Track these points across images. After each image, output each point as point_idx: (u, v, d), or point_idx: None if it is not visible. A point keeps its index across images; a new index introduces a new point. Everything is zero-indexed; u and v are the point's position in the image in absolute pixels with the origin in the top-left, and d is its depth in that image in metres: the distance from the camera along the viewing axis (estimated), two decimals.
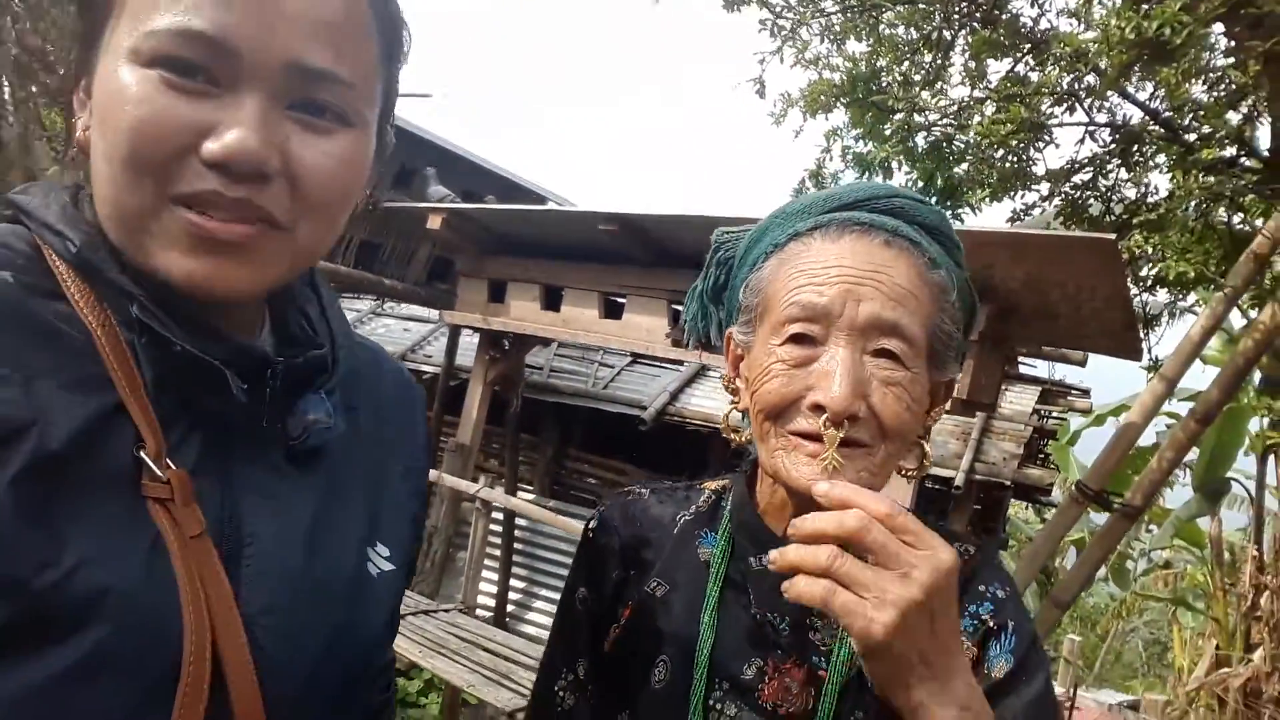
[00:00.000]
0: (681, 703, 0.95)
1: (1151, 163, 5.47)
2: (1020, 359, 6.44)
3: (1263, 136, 5.10)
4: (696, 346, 1.16)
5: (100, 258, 0.71)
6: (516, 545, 8.46)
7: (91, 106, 0.72)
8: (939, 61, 5.84)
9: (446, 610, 5.96)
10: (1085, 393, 7.04)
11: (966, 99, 5.74)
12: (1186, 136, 5.13)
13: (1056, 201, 5.68)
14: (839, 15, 6.05)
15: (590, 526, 1.13)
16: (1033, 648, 0.92)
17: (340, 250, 6.34)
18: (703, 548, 1.05)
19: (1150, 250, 5.13)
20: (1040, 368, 7.15)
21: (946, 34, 5.70)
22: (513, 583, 8.42)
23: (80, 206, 0.75)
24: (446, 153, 10.57)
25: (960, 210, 5.95)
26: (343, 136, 0.74)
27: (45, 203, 0.74)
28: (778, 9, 6.07)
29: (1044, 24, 5.51)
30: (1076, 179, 5.66)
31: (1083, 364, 6.16)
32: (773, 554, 0.78)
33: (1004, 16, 5.38)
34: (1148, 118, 5.42)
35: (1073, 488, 3.37)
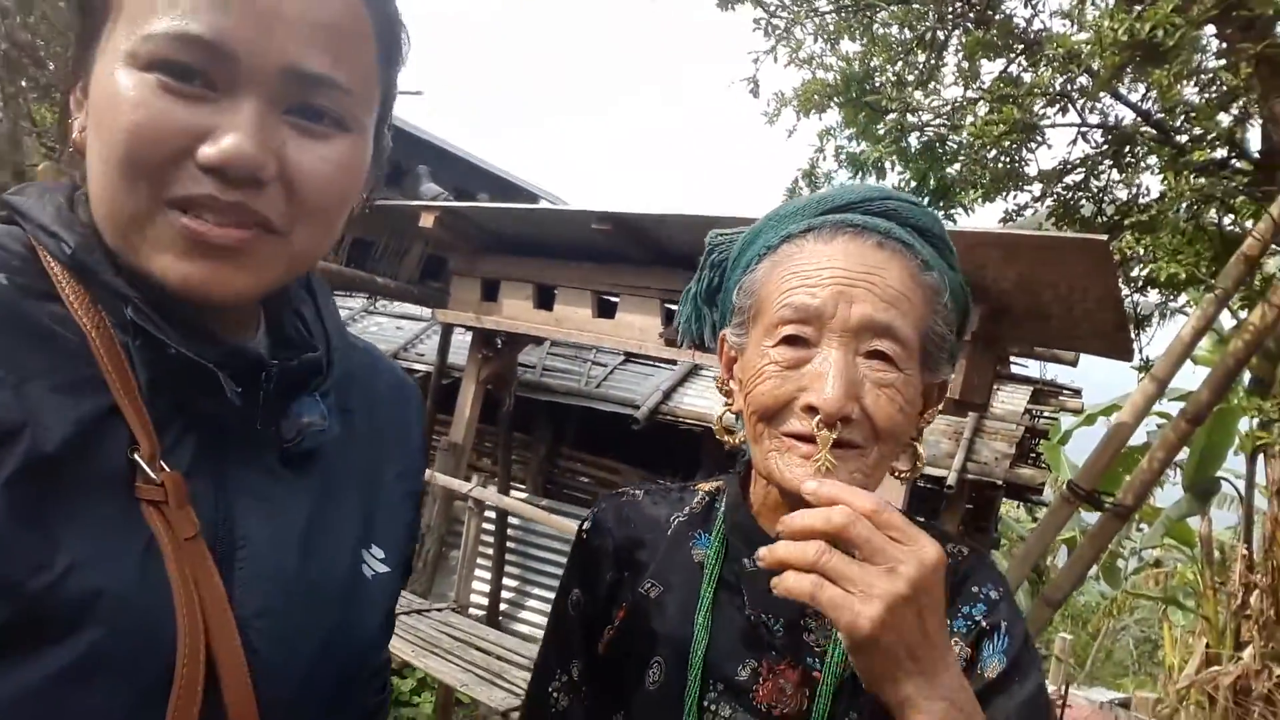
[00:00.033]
0: (676, 704, 0.95)
1: (1143, 164, 5.49)
2: (1012, 359, 6.47)
3: (1253, 139, 5.13)
4: (690, 347, 1.16)
5: (95, 260, 0.71)
6: (509, 544, 8.46)
7: (88, 107, 0.72)
8: (932, 62, 5.85)
9: (439, 609, 5.96)
10: (1077, 392, 7.07)
11: (960, 99, 5.75)
12: (1178, 138, 5.15)
13: (1048, 202, 5.69)
14: (833, 15, 6.06)
15: (584, 528, 1.13)
16: (1025, 648, 0.92)
17: (332, 248, 6.32)
18: (697, 549, 1.05)
19: (1142, 251, 5.15)
20: (1032, 367, 7.18)
21: (940, 34, 5.71)
22: (505, 582, 8.42)
23: (76, 208, 0.75)
24: (439, 150, 10.55)
25: (953, 211, 5.95)
26: (340, 141, 0.74)
27: (41, 204, 0.74)
28: (771, 8, 6.07)
29: (1037, 25, 5.53)
30: (1068, 180, 5.68)
31: (1074, 364, 6.19)
32: (762, 551, 0.79)
33: (997, 17, 5.39)
34: (1139, 119, 5.44)
35: (1064, 487, 3.38)
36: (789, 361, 0.89)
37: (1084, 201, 5.64)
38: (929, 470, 5.73)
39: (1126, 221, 5.12)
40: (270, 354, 0.81)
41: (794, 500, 0.85)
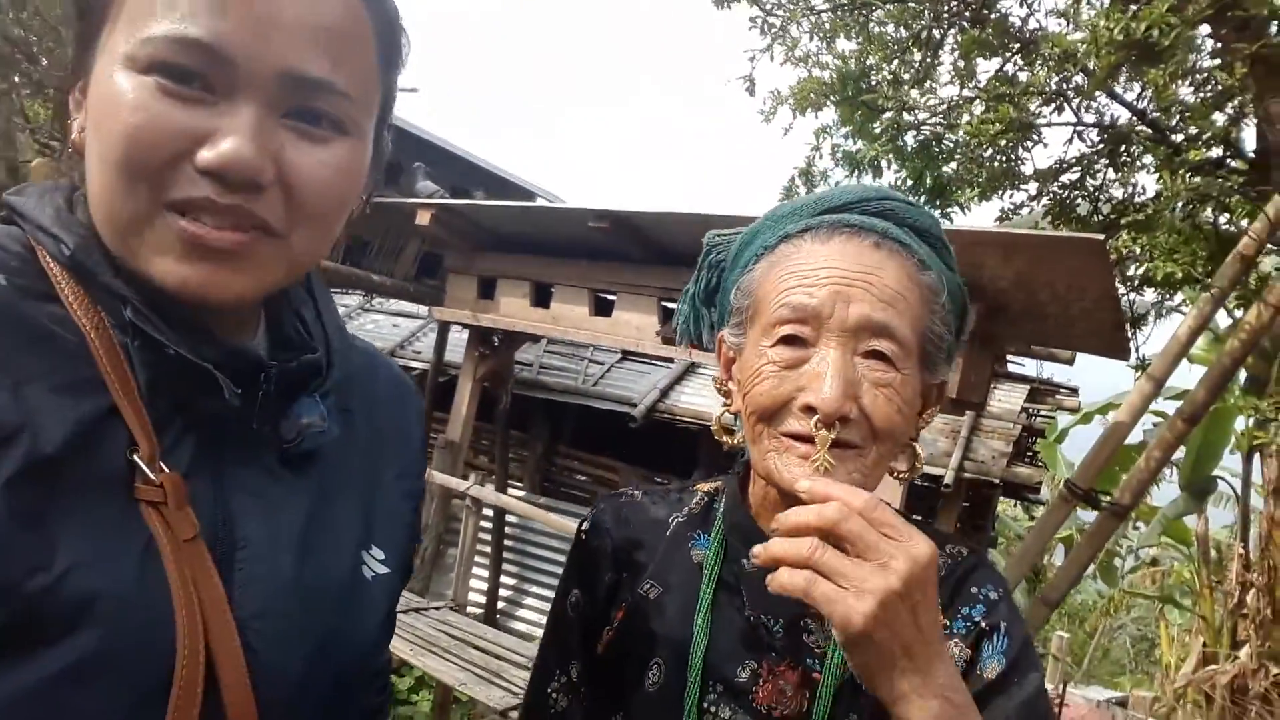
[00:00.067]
0: (675, 705, 0.95)
1: (1139, 163, 5.49)
2: (1009, 357, 6.48)
3: (1248, 138, 5.14)
4: (689, 347, 1.16)
5: (94, 260, 0.70)
6: (507, 542, 8.46)
7: (87, 108, 0.72)
8: (928, 60, 5.85)
9: (437, 608, 5.96)
10: (1074, 391, 7.08)
11: (955, 98, 5.75)
12: (1174, 137, 5.16)
13: (1044, 201, 5.70)
14: (828, 13, 6.06)
15: (583, 529, 1.13)
16: (1025, 649, 0.92)
17: None
18: (696, 549, 1.05)
19: (1138, 250, 5.16)
20: (1029, 366, 7.19)
21: (936, 33, 5.72)
22: (503, 580, 8.42)
23: (75, 209, 0.74)
24: (435, 148, 10.54)
25: (949, 209, 5.96)
26: (339, 145, 0.73)
27: (40, 205, 0.74)
28: (768, 6, 6.07)
29: (1033, 24, 5.53)
30: (1064, 179, 5.69)
31: (1071, 363, 6.20)
32: (756, 548, 0.79)
33: (993, 16, 5.40)
34: (1135, 118, 5.45)
35: (1062, 486, 3.39)
36: (787, 361, 0.89)
37: (1080, 200, 5.65)
38: (926, 469, 5.74)
39: (1123, 220, 5.12)
40: (270, 355, 0.81)
41: (792, 500, 0.86)
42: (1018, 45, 5.42)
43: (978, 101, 5.57)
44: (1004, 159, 5.54)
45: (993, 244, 3.41)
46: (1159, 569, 14.01)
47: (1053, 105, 5.41)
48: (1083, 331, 4.01)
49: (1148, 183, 5.77)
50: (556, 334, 5.89)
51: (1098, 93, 5.11)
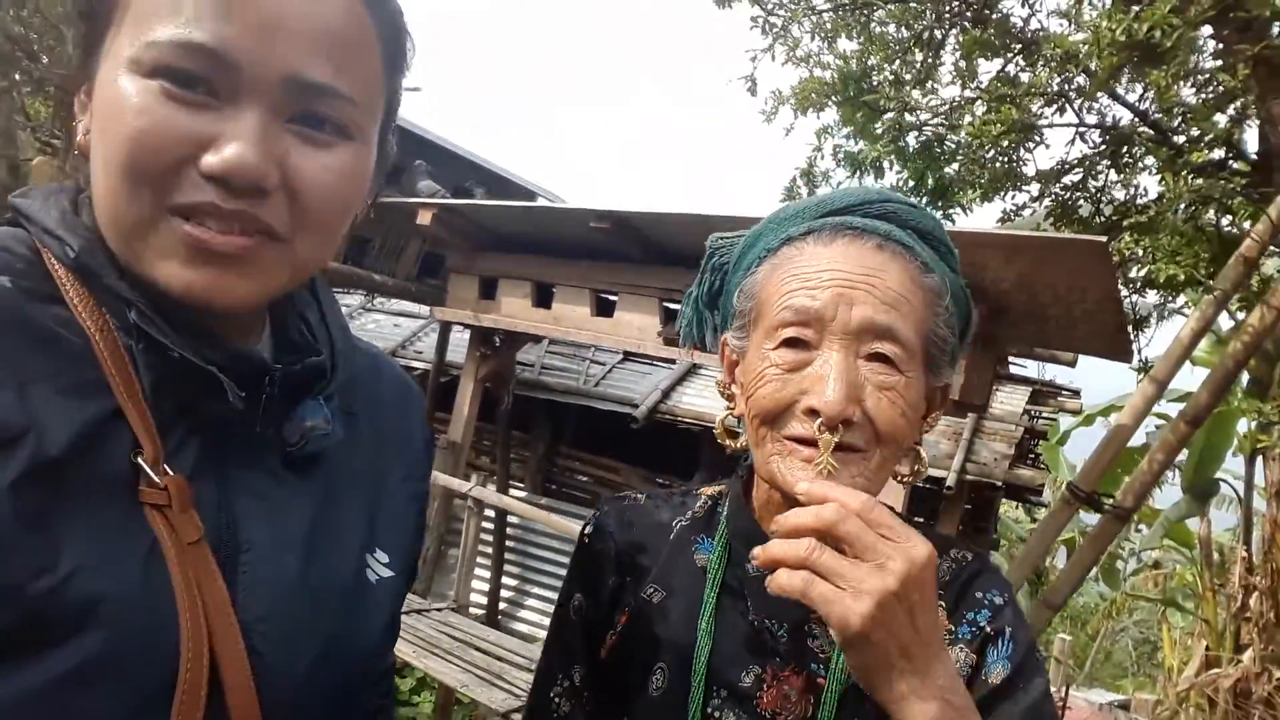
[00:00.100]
0: (680, 710, 0.95)
1: (1141, 165, 5.48)
2: (1010, 359, 6.47)
3: (1251, 139, 5.13)
4: (691, 349, 1.16)
5: (98, 263, 0.71)
6: (508, 543, 8.46)
7: (92, 111, 0.72)
8: (930, 61, 5.85)
9: (439, 609, 5.96)
10: (1076, 393, 7.07)
11: (957, 99, 5.75)
12: (1176, 139, 5.15)
13: (1046, 202, 5.69)
14: (830, 13, 6.05)
15: (586, 532, 1.12)
16: (1030, 654, 0.92)
17: None
18: (699, 553, 1.05)
19: (1140, 252, 5.15)
20: (1030, 368, 7.18)
21: (937, 33, 5.71)
22: (505, 580, 8.42)
23: (80, 211, 0.75)
24: (436, 147, 10.55)
25: (951, 211, 5.95)
26: (343, 150, 0.73)
27: (45, 207, 0.74)
28: (769, 6, 6.06)
29: (1034, 25, 5.52)
30: (1066, 180, 5.68)
31: (1073, 364, 6.19)
32: (756, 550, 0.79)
33: (995, 16, 5.39)
34: (1137, 119, 5.44)
35: (1064, 489, 3.38)
36: (790, 364, 0.89)
37: (1082, 202, 5.64)
38: (928, 471, 5.73)
39: (1125, 222, 5.12)
40: (274, 358, 0.81)
41: (796, 504, 0.85)
42: (1019, 46, 5.41)
43: (979, 102, 5.56)
44: (1006, 160, 5.53)
45: (994, 245, 3.40)
46: (1161, 572, 13.99)
47: (1055, 106, 5.40)
48: (1085, 333, 3.99)
49: (1150, 184, 5.76)
50: (558, 334, 5.89)
51: (1100, 94, 5.10)
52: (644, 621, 1.02)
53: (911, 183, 5.87)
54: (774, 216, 1.00)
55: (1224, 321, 5.74)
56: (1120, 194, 5.65)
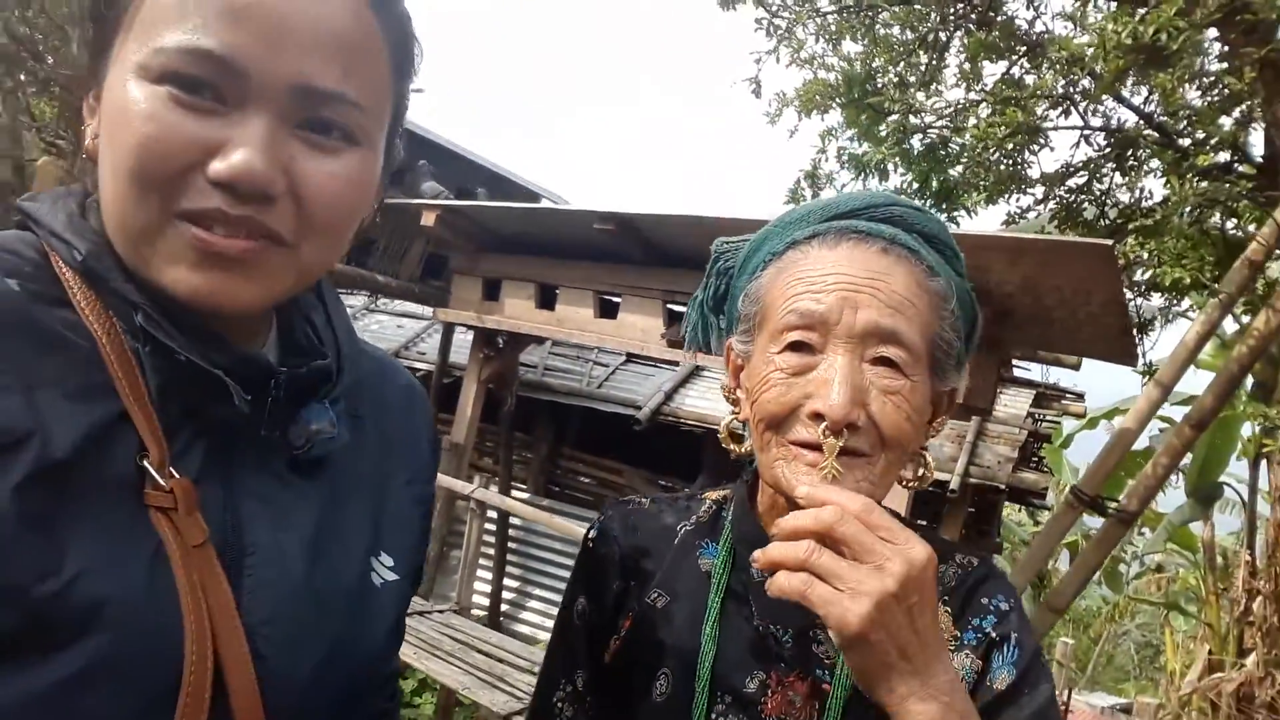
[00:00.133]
0: (684, 716, 0.95)
1: (1146, 167, 5.47)
2: (1014, 362, 6.46)
3: (1257, 142, 5.12)
4: (695, 352, 1.16)
5: (105, 266, 0.71)
6: (511, 545, 8.47)
7: (100, 115, 0.72)
8: (934, 63, 5.83)
9: (441, 611, 5.96)
10: (1080, 396, 7.06)
11: (962, 101, 5.74)
12: (1181, 142, 5.14)
13: (1051, 205, 5.67)
14: (834, 15, 6.04)
15: (589, 536, 1.12)
16: (1035, 660, 0.91)
17: None
18: (704, 558, 1.05)
19: (1145, 255, 5.14)
20: (1034, 371, 7.17)
21: (942, 35, 5.69)
22: (507, 582, 8.42)
23: (88, 215, 0.75)
24: (439, 148, 10.56)
25: (955, 213, 5.94)
26: (349, 156, 0.74)
27: (53, 211, 0.74)
28: (774, 8, 6.05)
29: (1040, 27, 5.51)
30: (1071, 183, 5.66)
31: (1077, 367, 6.18)
32: (756, 553, 0.79)
33: (999, 19, 5.38)
34: (1142, 122, 5.43)
35: (1068, 493, 3.37)
36: (794, 368, 0.89)
37: (1087, 205, 5.62)
38: (934, 475, 5.73)
39: (1130, 225, 5.10)
40: (280, 361, 0.81)
41: (800, 508, 0.85)
42: (1024, 48, 5.40)
43: (984, 105, 5.55)
44: (1010, 162, 5.52)
45: (999, 248, 3.40)
46: (1164, 575, 13.98)
47: (1059, 109, 5.38)
48: (1089, 337, 3.99)
49: (1155, 187, 5.75)
50: (561, 336, 5.89)
51: (1105, 97, 5.09)
52: (648, 626, 1.02)
53: (916, 185, 5.86)
54: (779, 220, 1.00)
55: (1229, 325, 5.74)
56: (1125, 197, 5.64)
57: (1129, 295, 4.74)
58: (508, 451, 8.58)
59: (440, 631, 5.47)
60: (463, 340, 7.53)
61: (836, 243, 0.92)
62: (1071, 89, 5.23)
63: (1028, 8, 5.49)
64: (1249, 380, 6.54)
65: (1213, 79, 4.79)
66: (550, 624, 1.15)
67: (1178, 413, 6.54)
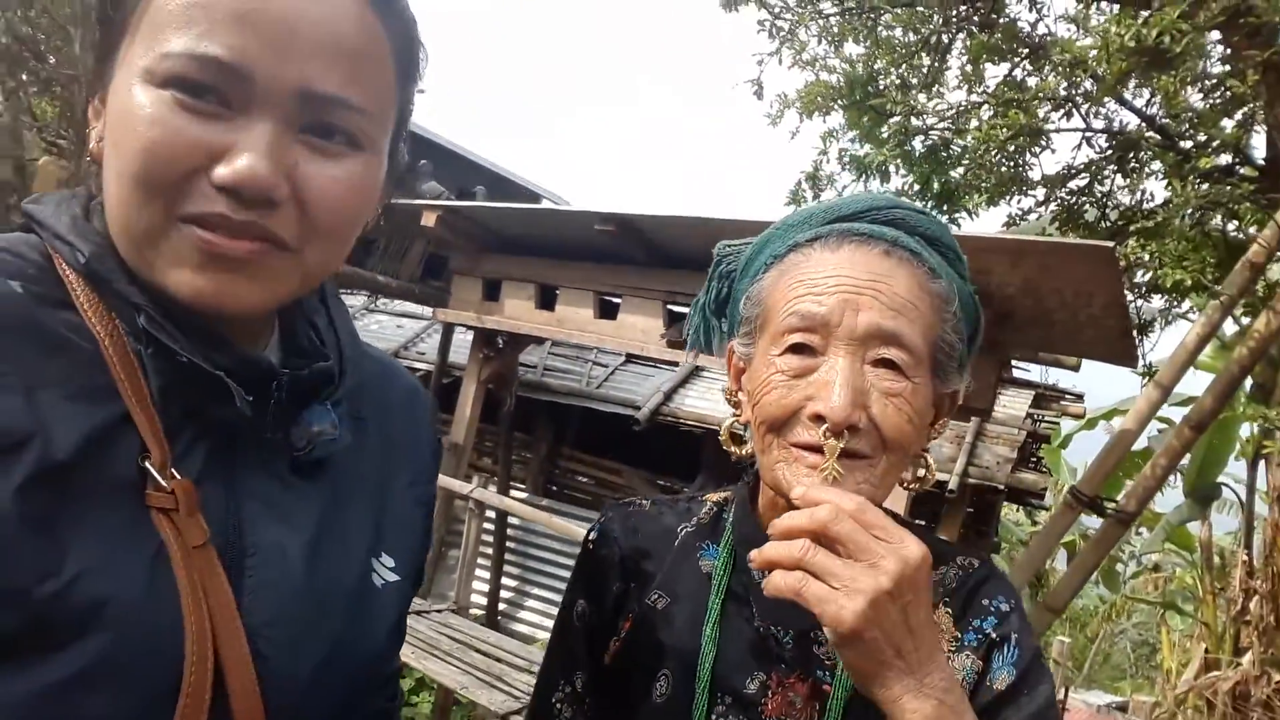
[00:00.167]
0: (684, 717, 0.95)
1: (1147, 169, 5.46)
2: (1014, 363, 6.46)
3: (1258, 145, 5.11)
4: (696, 354, 1.16)
5: (108, 268, 0.71)
6: (509, 544, 8.46)
7: (105, 119, 0.72)
8: (937, 65, 5.82)
9: (439, 610, 5.96)
10: (1079, 397, 7.06)
11: (964, 103, 5.73)
12: (1183, 144, 5.13)
13: (1052, 207, 5.67)
14: (837, 17, 6.03)
15: (590, 538, 1.12)
16: (1035, 661, 0.92)
17: None
18: (704, 560, 1.05)
19: (1146, 257, 5.13)
20: (1034, 371, 7.17)
21: (944, 37, 5.69)
22: (505, 582, 8.42)
23: (92, 217, 0.75)
24: (439, 148, 10.56)
25: (956, 215, 5.94)
26: (353, 160, 0.74)
27: (57, 213, 0.75)
28: (776, 10, 6.05)
29: (1042, 29, 5.50)
30: (1072, 185, 5.65)
31: (1076, 369, 6.18)
32: (753, 553, 0.80)
33: (1002, 21, 5.37)
34: (1144, 124, 5.42)
35: (1067, 493, 3.38)
36: (796, 370, 0.89)
37: (1088, 206, 5.62)
38: (935, 477, 5.73)
39: (1131, 227, 5.10)
40: (282, 362, 0.81)
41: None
42: (1027, 51, 5.40)
43: (986, 107, 5.54)
44: (1012, 164, 5.51)
45: (1000, 250, 3.40)
46: (1161, 574, 13.99)
47: (1062, 111, 5.38)
48: (1090, 338, 3.99)
49: (1156, 189, 5.75)
50: (561, 336, 5.89)
51: (1107, 99, 5.08)
52: (648, 628, 1.02)
53: (917, 187, 5.85)
54: (781, 223, 1.00)
55: (1229, 327, 5.74)
56: (1126, 199, 5.63)
57: (1129, 297, 4.74)
58: (507, 451, 8.58)
59: (438, 631, 5.47)
60: (462, 340, 7.53)
61: (838, 245, 0.92)
62: (1073, 91, 5.23)
63: (1030, 10, 5.49)
64: (1248, 381, 6.54)
65: (1215, 81, 4.79)
66: (548, 624, 1.15)
67: (1177, 414, 6.55)
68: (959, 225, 5.92)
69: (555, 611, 1.14)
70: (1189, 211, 4.56)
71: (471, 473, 7.23)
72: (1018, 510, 11.76)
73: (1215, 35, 4.24)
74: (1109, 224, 5.46)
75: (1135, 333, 4.34)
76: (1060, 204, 5.61)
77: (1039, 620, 3.55)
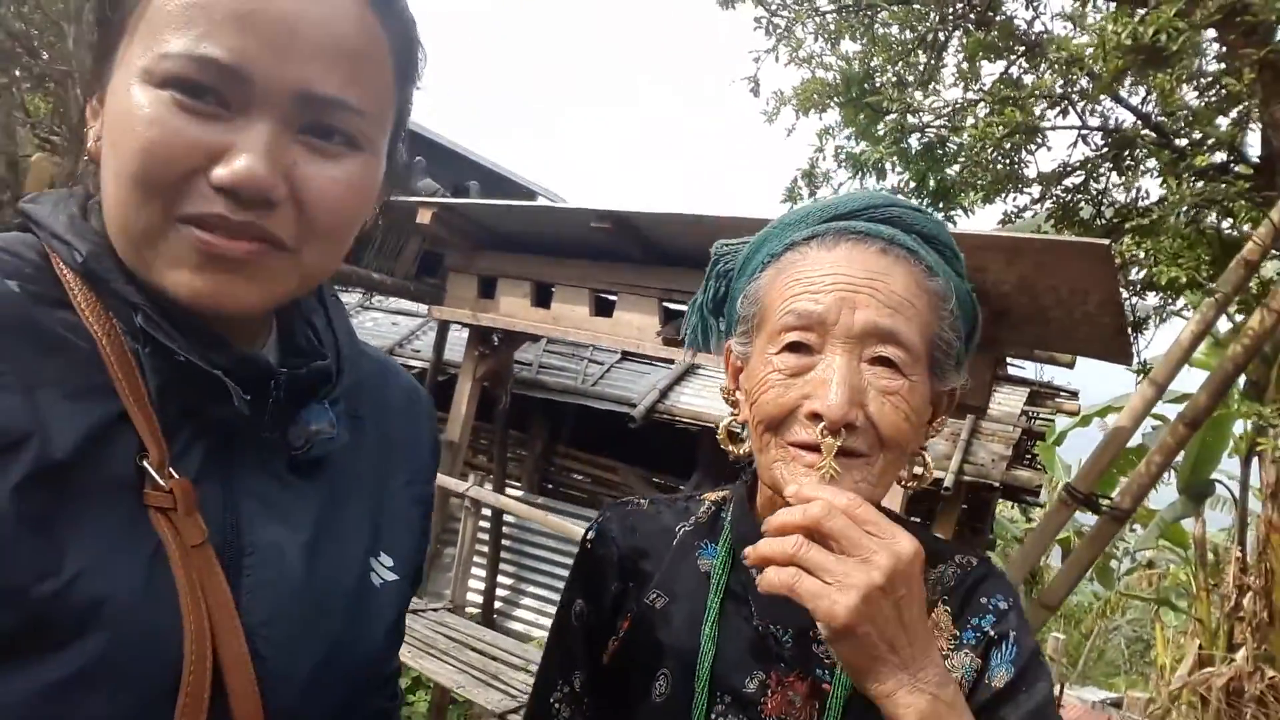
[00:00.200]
0: (683, 716, 0.95)
1: (1143, 167, 5.47)
2: (1009, 360, 6.47)
3: (1253, 143, 5.13)
4: (693, 352, 1.16)
5: (106, 268, 0.71)
6: (504, 542, 8.46)
7: (104, 118, 0.72)
8: (933, 63, 5.83)
9: (435, 609, 5.96)
10: (1074, 394, 7.08)
11: (960, 101, 5.74)
12: (1178, 142, 5.15)
13: (1048, 205, 5.68)
14: (833, 14, 6.03)
15: (588, 538, 1.12)
16: (1034, 658, 0.92)
17: None
18: (703, 559, 1.05)
19: (1141, 255, 5.14)
20: (1029, 369, 7.19)
21: (941, 35, 5.69)
22: (500, 580, 8.42)
23: (89, 217, 0.75)
24: (436, 146, 10.54)
25: (952, 212, 5.94)
26: (351, 161, 0.74)
27: (54, 212, 0.75)
28: (773, 7, 6.05)
29: (1038, 27, 5.51)
30: (1068, 182, 5.67)
31: (1071, 366, 6.19)
32: (747, 550, 0.80)
33: (998, 19, 5.38)
34: (1140, 122, 5.43)
35: (1062, 490, 3.38)
36: (793, 369, 0.89)
37: (1083, 204, 5.63)
38: (933, 475, 5.74)
39: (1126, 225, 5.11)
40: (280, 362, 0.81)
41: None
42: (1023, 48, 5.40)
43: (982, 104, 5.55)
44: (1008, 162, 5.52)
45: (996, 248, 3.40)
46: (1155, 571, 14.04)
47: (1057, 109, 5.39)
48: (1085, 336, 3.99)
49: (1151, 187, 5.75)
50: (557, 334, 5.89)
51: (1103, 97, 5.09)
52: (647, 627, 1.02)
53: (913, 184, 5.86)
54: (778, 222, 1.00)
55: (1223, 324, 5.75)
56: (1122, 196, 5.65)
57: (1124, 294, 4.76)
58: (502, 449, 8.58)
59: (434, 629, 5.47)
60: (458, 338, 7.52)
61: (835, 243, 0.92)
62: (1070, 89, 5.24)
63: (1027, 8, 5.50)
64: (1242, 379, 6.56)
65: (1211, 80, 4.80)
66: (544, 622, 1.15)
67: (1171, 411, 6.57)
68: (955, 223, 5.93)
69: (551, 609, 1.14)
70: (1184, 209, 4.57)
71: (467, 471, 7.23)
72: (1013, 507, 11.79)
73: (1211, 33, 4.25)
74: (1104, 221, 5.48)
75: (1130, 330, 4.35)
76: (1056, 201, 5.62)
77: (1034, 617, 3.55)
